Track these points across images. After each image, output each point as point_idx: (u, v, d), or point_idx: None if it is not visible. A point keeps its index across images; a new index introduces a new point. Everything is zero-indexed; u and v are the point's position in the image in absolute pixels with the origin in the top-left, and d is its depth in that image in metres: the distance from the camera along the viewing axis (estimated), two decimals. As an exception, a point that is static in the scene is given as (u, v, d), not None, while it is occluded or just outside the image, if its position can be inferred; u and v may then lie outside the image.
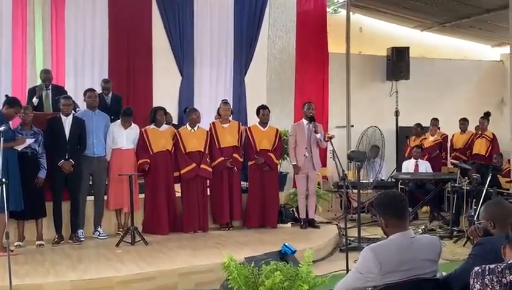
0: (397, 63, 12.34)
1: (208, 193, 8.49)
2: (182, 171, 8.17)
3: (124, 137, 7.91)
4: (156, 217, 8.05)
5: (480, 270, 2.64)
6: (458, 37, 13.45)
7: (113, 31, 10.43)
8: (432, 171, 10.44)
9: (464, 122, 11.22)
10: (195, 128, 8.36)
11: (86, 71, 10.32)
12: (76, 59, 10.27)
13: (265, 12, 11.61)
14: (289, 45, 11.92)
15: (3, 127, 5.49)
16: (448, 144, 11.45)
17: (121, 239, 7.27)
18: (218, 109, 9.04)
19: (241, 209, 8.61)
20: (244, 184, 8.86)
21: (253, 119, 9.57)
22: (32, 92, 8.42)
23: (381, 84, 12.70)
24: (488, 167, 8.63)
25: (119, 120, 7.98)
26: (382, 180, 10.06)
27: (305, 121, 8.58)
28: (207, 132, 8.46)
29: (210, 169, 8.31)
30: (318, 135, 8.39)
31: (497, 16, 11.14)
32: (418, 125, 11.41)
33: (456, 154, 11.06)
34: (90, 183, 7.84)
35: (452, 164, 10.90)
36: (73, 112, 7.66)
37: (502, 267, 2.60)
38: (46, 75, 8.53)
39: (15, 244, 7.06)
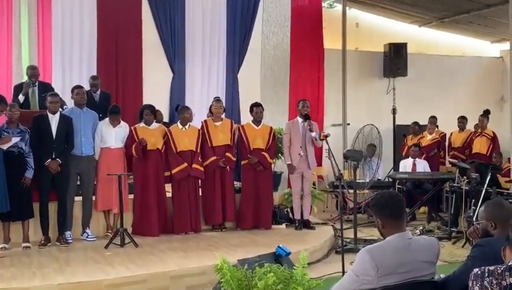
0: (394, 59, 12.37)
1: (200, 193, 8.48)
2: (173, 171, 8.15)
3: (112, 136, 7.89)
4: (146, 218, 8.03)
5: (479, 272, 2.64)
6: (457, 33, 13.50)
7: (102, 25, 10.40)
8: (430, 171, 10.48)
9: (462, 120, 11.27)
10: (187, 126, 8.35)
11: (73, 67, 10.29)
12: (64, 55, 10.24)
13: (259, 7, 11.59)
14: (283, 41, 11.91)
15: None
16: (447, 143, 11.50)
17: (110, 241, 7.24)
18: (210, 106, 9.01)
19: (234, 210, 8.60)
20: (237, 184, 8.86)
21: (246, 117, 9.56)
22: (18, 89, 8.37)
23: (378, 81, 12.74)
24: (487, 166, 8.67)
25: (108, 118, 7.96)
26: (379, 180, 10.08)
27: (299, 119, 8.58)
28: (198, 130, 8.45)
29: (202, 169, 8.30)
30: (313, 134, 8.39)
31: (497, 11, 11.18)
32: (416, 123, 11.44)
33: (455, 153, 11.10)
34: (78, 183, 7.82)
35: (451, 163, 10.94)
36: (60, 109, 7.63)
37: (502, 269, 2.61)
38: (32, 71, 8.49)
39: (0, 246, 7.03)
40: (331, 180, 10.55)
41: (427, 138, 11.25)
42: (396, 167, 11.43)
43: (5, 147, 6.86)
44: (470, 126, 11.42)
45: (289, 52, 11.94)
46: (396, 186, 10.36)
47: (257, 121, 8.69)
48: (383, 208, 3.24)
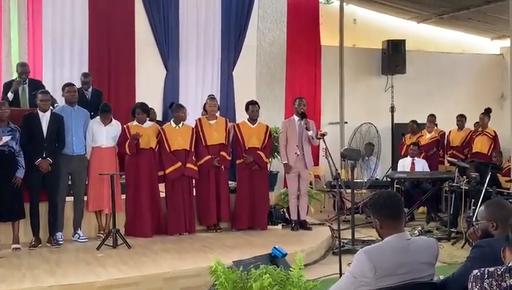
0: (393, 56, 12.38)
1: (194, 193, 8.47)
2: (167, 171, 8.15)
3: (103, 134, 7.88)
4: (139, 218, 8.02)
5: (479, 273, 2.65)
6: (456, 30, 13.52)
7: (93, 21, 10.35)
8: (428, 170, 10.50)
9: (461, 118, 11.28)
10: (180, 125, 8.34)
11: (64, 64, 10.24)
12: (55, 52, 10.18)
13: (255, 3, 11.57)
14: (280, 38, 11.91)
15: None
16: (446, 142, 11.52)
17: (102, 242, 7.24)
18: (205, 104, 9.01)
19: (229, 210, 8.61)
20: (232, 184, 8.87)
21: (241, 116, 9.56)
22: (8, 86, 8.34)
23: (376, 78, 12.74)
24: (487, 166, 8.69)
25: (99, 116, 7.95)
26: (377, 179, 10.10)
27: (296, 118, 8.58)
28: (192, 129, 8.44)
29: (196, 168, 8.30)
30: (310, 132, 8.40)
31: (497, 8, 11.20)
32: (414, 122, 11.46)
33: (453, 153, 11.12)
34: (69, 183, 7.81)
35: (450, 162, 10.95)
36: (51, 107, 7.62)
37: (502, 270, 2.61)
38: (22, 68, 8.46)
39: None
40: (328, 180, 10.57)
41: (426, 137, 11.27)
42: (394, 166, 11.45)
43: (-5, 145, 6.85)
44: (469, 125, 11.43)
45: (285, 49, 11.94)
46: (395, 185, 10.39)
47: (253, 119, 8.68)
48: (381, 208, 3.24)
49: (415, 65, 12.54)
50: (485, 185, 8.13)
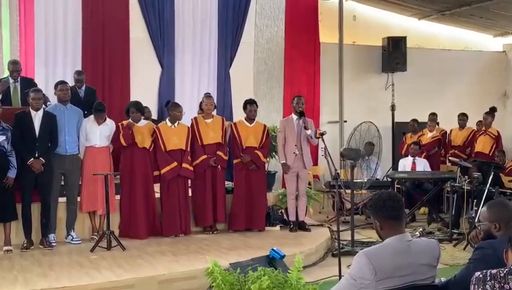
0: (393, 53, 12.38)
1: (190, 194, 8.47)
2: (163, 171, 8.14)
3: (97, 134, 7.87)
4: (134, 220, 8.02)
5: (481, 275, 2.66)
6: (458, 26, 13.53)
7: (87, 18, 10.34)
8: (430, 170, 10.51)
9: (463, 117, 11.28)
10: (176, 124, 8.34)
11: (57, 62, 10.24)
12: (47, 49, 10.18)
13: (252, -1, 11.61)
14: (278, 35, 11.92)
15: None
16: (447, 141, 11.53)
17: (96, 244, 7.24)
18: (201, 103, 9.02)
19: (226, 211, 8.60)
20: (228, 184, 8.87)
21: (238, 114, 9.57)
22: (-3, 84, 8.35)
23: (376, 76, 12.75)
24: (489, 165, 8.70)
25: (93, 115, 7.94)
26: (377, 179, 10.10)
27: (294, 116, 8.59)
28: (188, 128, 8.44)
29: (191, 168, 8.30)
30: (308, 131, 8.40)
31: (499, 4, 11.21)
32: (414, 120, 11.46)
33: (455, 152, 11.13)
34: (62, 183, 7.80)
35: (451, 162, 10.96)
36: (43, 106, 7.61)
37: (505, 272, 2.62)
38: (14, 66, 8.45)
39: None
40: (327, 180, 10.58)
41: (427, 136, 11.28)
42: (395, 166, 11.46)
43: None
44: (471, 124, 11.44)
45: (283, 46, 11.95)
46: (395, 186, 10.40)
47: (250, 118, 8.68)
48: (381, 209, 3.25)
49: (416, 63, 12.54)
50: (488, 185, 8.14)
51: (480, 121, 11.27)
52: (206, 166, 8.39)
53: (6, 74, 8.65)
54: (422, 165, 10.58)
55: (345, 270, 5.21)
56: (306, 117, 8.50)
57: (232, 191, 8.72)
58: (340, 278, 4.83)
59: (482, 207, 3.52)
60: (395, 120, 12.58)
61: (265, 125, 8.84)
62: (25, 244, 7.27)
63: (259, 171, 8.68)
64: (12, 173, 7.13)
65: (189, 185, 8.50)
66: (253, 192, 8.60)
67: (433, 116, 11.34)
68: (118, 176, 8.10)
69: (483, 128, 11.01)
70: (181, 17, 11.16)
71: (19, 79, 8.37)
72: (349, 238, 7.85)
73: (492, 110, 11.00)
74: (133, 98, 9.59)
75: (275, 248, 4.48)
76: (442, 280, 3.34)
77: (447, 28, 13.53)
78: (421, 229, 8.97)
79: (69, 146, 7.67)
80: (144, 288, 5.93)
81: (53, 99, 8.37)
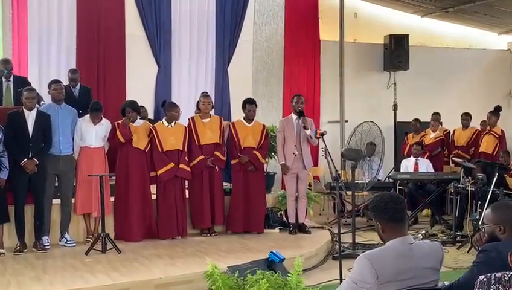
0: (395, 52, 12.40)
1: (187, 195, 8.47)
2: (159, 172, 8.14)
3: (92, 134, 7.86)
4: (129, 222, 8.01)
5: (485, 279, 2.66)
6: (462, 24, 13.54)
7: (82, 15, 10.33)
8: (433, 171, 10.50)
9: (466, 117, 11.27)
10: (173, 124, 8.33)
11: (51, 60, 10.23)
12: (41, 47, 10.17)
13: (251, -4, 11.61)
14: (277, 32, 11.93)
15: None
16: (450, 141, 11.53)
17: (91, 247, 7.23)
18: (198, 102, 9.01)
19: (224, 213, 8.60)
20: (226, 185, 8.86)
21: (237, 114, 9.57)
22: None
23: (378, 75, 12.76)
24: (494, 166, 8.70)
25: (88, 115, 7.94)
26: (379, 180, 10.10)
27: (294, 116, 8.58)
28: (185, 128, 8.43)
29: (188, 169, 8.29)
30: (308, 131, 8.40)
31: (504, 1, 11.23)
32: (417, 120, 11.45)
33: (458, 153, 11.12)
34: (56, 185, 7.79)
35: (455, 162, 10.96)
36: (37, 105, 7.60)
37: (509, 275, 2.62)
38: (6, 65, 8.45)
39: (-28, 253, 7.02)
40: (327, 181, 10.58)
41: (430, 136, 11.28)
42: (397, 166, 11.46)
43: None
44: (475, 123, 11.44)
45: (283, 44, 11.96)
46: (398, 187, 10.40)
47: (249, 118, 8.68)
48: (383, 211, 3.25)
49: (418, 61, 12.55)
50: (492, 187, 8.14)
51: (484, 121, 11.26)
52: (203, 167, 8.38)
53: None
54: (425, 166, 10.57)
55: (346, 273, 5.21)
56: (306, 117, 8.50)
57: (230, 192, 8.72)
58: (341, 282, 4.84)
59: (486, 209, 3.51)
60: (397, 120, 12.60)
61: (264, 125, 8.84)
62: (18, 247, 7.26)
63: (258, 172, 8.68)
64: (4, 174, 7.11)
65: (187, 186, 8.49)
66: (252, 193, 8.59)
67: (436, 115, 11.33)
68: (114, 177, 8.10)
69: (488, 127, 11.00)
70: (178, 14, 11.16)
71: (11, 78, 8.37)
72: (350, 241, 7.84)
73: (497, 110, 10.97)
74: (128, 98, 9.58)
75: (274, 251, 4.48)
76: (446, 284, 3.34)
77: (450, 26, 13.55)
78: (424, 232, 8.95)
79: (63, 146, 7.66)
80: (140, 292, 5.94)
81: (47, 99, 8.36)
